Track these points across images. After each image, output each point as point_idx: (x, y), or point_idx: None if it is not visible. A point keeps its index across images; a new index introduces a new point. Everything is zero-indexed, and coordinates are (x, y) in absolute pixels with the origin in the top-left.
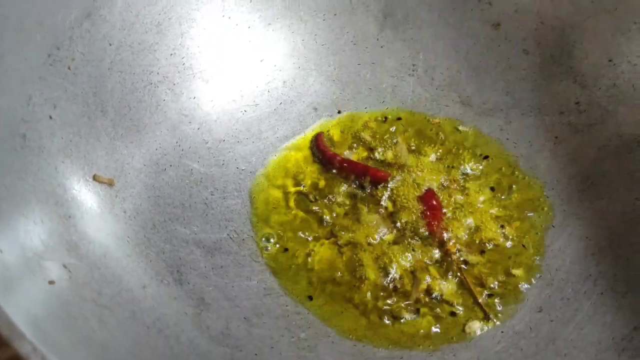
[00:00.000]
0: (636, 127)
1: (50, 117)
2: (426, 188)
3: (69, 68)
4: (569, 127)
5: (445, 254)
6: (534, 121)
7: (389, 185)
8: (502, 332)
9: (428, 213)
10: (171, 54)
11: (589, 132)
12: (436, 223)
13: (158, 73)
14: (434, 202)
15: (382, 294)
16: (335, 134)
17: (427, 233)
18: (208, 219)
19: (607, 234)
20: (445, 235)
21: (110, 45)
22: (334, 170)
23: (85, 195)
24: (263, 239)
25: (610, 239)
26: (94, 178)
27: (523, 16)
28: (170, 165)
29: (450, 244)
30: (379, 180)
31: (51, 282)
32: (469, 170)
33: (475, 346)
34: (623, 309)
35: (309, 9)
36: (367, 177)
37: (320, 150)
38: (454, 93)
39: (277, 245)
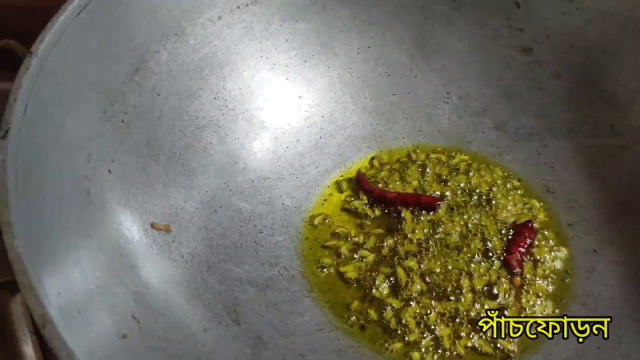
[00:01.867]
0: None
1: (109, 172)
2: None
3: (122, 122)
4: (603, 150)
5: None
6: (569, 144)
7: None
8: (550, 359)
9: (517, 243)
10: (215, 98)
11: (623, 155)
12: (517, 253)
13: (204, 117)
14: (527, 234)
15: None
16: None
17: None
18: (259, 257)
19: None
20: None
21: (159, 95)
22: (384, 205)
23: (146, 244)
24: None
25: None
26: (152, 226)
27: (554, 41)
28: (220, 206)
29: (519, 280)
30: (431, 206)
31: (124, 336)
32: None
33: None
34: None
35: (343, 44)
36: (418, 204)
37: (367, 191)
38: (489, 119)
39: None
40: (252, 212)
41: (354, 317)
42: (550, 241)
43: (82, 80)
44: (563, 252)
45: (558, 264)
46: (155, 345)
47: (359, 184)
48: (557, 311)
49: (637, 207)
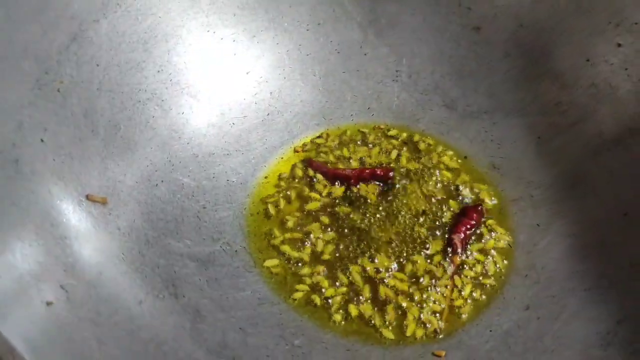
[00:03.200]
0: (615, 125)
1: (42, 141)
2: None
3: (58, 91)
4: (551, 127)
5: (451, 261)
6: (517, 122)
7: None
8: (491, 331)
9: (465, 223)
10: (158, 71)
11: (571, 132)
12: (463, 235)
13: (146, 90)
14: (475, 217)
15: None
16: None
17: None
18: (201, 232)
19: (590, 231)
20: (459, 248)
21: (98, 66)
22: (339, 182)
23: (80, 216)
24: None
25: (593, 236)
26: (87, 198)
27: (502, 19)
28: (162, 181)
29: (459, 258)
30: (385, 177)
31: (49, 303)
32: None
33: (465, 346)
34: (607, 304)
35: (293, 19)
36: (373, 176)
37: (322, 172)
38: (438, 97)
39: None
40: (195, 188)
41: (298, 293)
42: (495, 222)
43: (13, 45)
44: (506, 235)
45: (501, 243)
46: (85, 316)
47: (311, 167)
48: (494, 284)
49: (585, 181)
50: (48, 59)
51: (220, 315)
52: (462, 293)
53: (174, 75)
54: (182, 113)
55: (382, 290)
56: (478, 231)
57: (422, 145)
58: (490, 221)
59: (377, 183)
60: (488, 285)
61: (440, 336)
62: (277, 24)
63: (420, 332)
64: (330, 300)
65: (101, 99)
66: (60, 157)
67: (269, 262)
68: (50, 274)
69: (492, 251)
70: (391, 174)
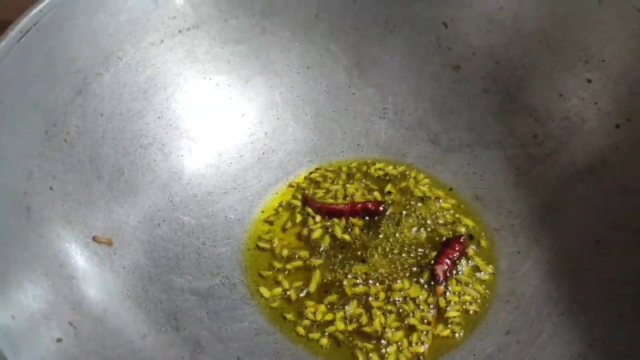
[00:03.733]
0: (587, 156)
1: (51, 188)
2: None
3: (65, 141)
4: (528, 159)
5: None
6: (497, 154)
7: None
8: (474, 355)
9: (447, 254)
10: (158, 117)
11: (546, 163)
12: (446, 265)
13: (147, 136)
14: (457, 248)
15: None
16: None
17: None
18: (201, 268)
19: (565, 258)
20: (442, 279)
21: (102, 115)
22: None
23: (86, 256)
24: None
25: (568, 263)
26: (94, 239)
27: (480, 58)
28: (164, 220)
29: (442, 289)
30: (377, 211)
31: (59, 340)
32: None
33: None
34: (579, 328)
35: (283, 64)
36: (365, 210)
37: (316, 210)
38: (423, 132)
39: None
40: (195, 225)
41: (292, 323)
42: (477, 252)
43: (23, 101)
44: (488, 264)
45: (484, 271)
46: (91, 349)
47: (306, 203)
48: (478, 311)
49: (560, 210)
50: (55, 112)
51: (218, 346)
52: (448, 320)
53: (173, 121)
54: (182, 155)
55: (371, 322)
56: (461, 261)
57: (410, 180)
58: (472, 251)
59: (363, 218)
60: (472, 312)
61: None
62: (269, 69)
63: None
64: (319, 327)
65: (105, 146)
66: (68, 203)
67: (264, 291)
68: (59, 312)
69: (475, 279)
70: (382, 207)
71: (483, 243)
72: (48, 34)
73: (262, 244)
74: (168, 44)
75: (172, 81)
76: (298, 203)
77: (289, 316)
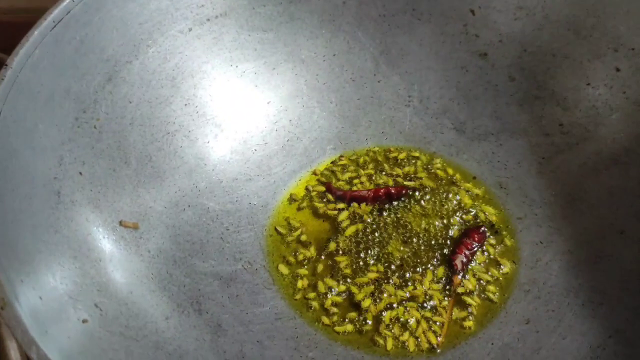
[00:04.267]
0: (612, 145)
1: (80, 174)
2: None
3: (94, 127)
4: (553, 148)
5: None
6: (522, 143)
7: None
8: (492, 344)
9: (466, 245)
10: (185, 104)
11: (571, 152)
12: (464, 256)
13: (174, 123)
14: (476, 238)
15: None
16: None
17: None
18: (224, 253)
19: (587, 248)
20: (459, 269)
21: (131, 102)
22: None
23: (113, 240)
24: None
25: (589, 253)
26: (121, 224)
27: (507, 45)
28: (189, 206)
29: (459, 279)
30: (399, 195)
31: (85, 321)
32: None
33: (466, 357)
34: (599, 319)
35: (310, 51)
36: (389, 195)
37: (339, 197)
38: (448, 120)
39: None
40: (219, 211)
41: (313, 308)
42: (499, 241)
43: (55, 89)
44: (510, 252)
45: (505, 260)
46: (115, 330)
47: (329, 192)
48: (498, 299)
49: (584, 200)
50: (86, 99)
51: (239, 329)
52: (469, 307)
53: (200, 108)
54: (208, 142)
55: (387, 312)
56: (482, 250)
57: (434, 166)
58: (494, 240)
59: (387, 203)
60: (492, 301)
61: (439, 351)
62: (296, 56)
63: (421, 347)
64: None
65: (133, 132)
66: (97, 188)
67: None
68: (85, 294)
69: (497, 268)
70: (404, 191)
71: (506, 232)
72: (80, 23)
73: (282, 230)
74: (196, 32)
75: (199, 69)
76: (322, 189)
77: (311, 301)
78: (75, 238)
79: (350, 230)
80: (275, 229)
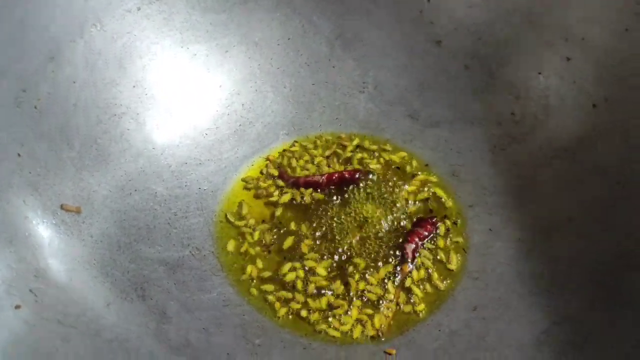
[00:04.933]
0: (563, 135)
1: (19, 155)
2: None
3: (35, 108)
4: (505, 137)
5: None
6: (475, 131)
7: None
8: (439, 330)
9: (417, 234)
10: (134, 86)
11: (523, 141)
12: (415, 245)
13: (122, 105)
14: (428, 228)
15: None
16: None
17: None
18: (171, 238)
19: (537, 236)
20: (409, 258)
21: (74, 83)
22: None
23: (53, 224)
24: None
25: (539, 241)
26: (62, 207)
27: (462, 33)
28: (135, 190)
29: (408, 267)
30: (353, 179)
31: (17, 307)
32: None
33: (415, 344)
34: (545, 306)
35: (264, 34)
36: (343, 179)
37: (292, 183)
38: (403, 107)
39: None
40: (167, 196)
41: (258, 293)
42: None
43: None
44: (461, 239)
45: (455, 246)
46: (52, 318)
47: (281, 178)
48: (447, 286)
49: (534, 188)
50: (26, 78)
51: (185, 316)
52: (413, 295)
53: (148, 90)
54: (157, 125)
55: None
56: (431, 240)
57: (386, 153)
58: (444, 227)
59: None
60: (440, 288)
61: (383, 339)
62: (249, 39)
63: (366, 333)
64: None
65: (77, 114)
66: (36, 170)
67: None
68: (20, 280)
69: (446, 256)
70: (358, 175)
71: (457, 219)
72: (18, 1)
73: (231, 217)
74: (145, 11)
75: (148, 50)
76: (275, 173)
77: (256, 288)
78: (11, 222)
79: (285, 198)
80: (225, 216)
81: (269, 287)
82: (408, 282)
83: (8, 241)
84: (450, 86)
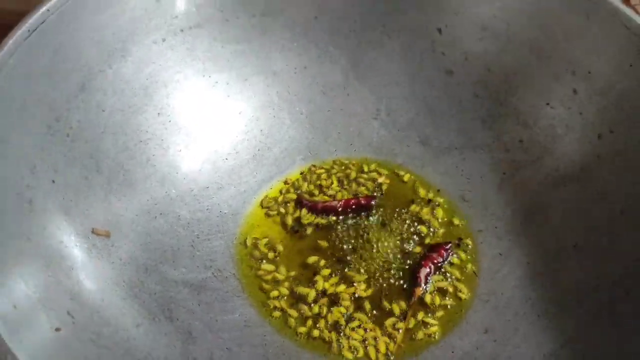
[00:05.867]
0: (569, 163)
1: (53, 182)
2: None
3: (67, 136)
4: (514, 163)
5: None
6: (484, 158)
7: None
8: (453, 352)
9: (432, 259)
10: (158, 113)
11: (531, 168)
12: (429, 269)
13: (147, 131)
14: (443, 254)
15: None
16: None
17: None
18: (195, 260)
19: (544, 260)
20: (422, 282)
21: (104, 111)
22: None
23: (85, 248)
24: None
25: (546, 265)
26: (93, 231)
27: (472, 64)
28: (160, 214)
29: (421, 290)
30: (369, 205)
31: (57, 329)
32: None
33: None
34: (553, 330)
35: (282, 63)
36: (359, 205)
37: (310, 208)
38: (414, 134)
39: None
40: (190, 219)
41: (280, 315)
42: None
43: (28, 97)
44: (471, 264)
45: (466, 271)
46: (87, 338)
47: (300, 205)
48: (460, 310)
49: (541, 214)
50: (59, 107)
51: (209, 336)
52: (430, 315)
53: (172, 117)
54: (180, 151)
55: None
56: (444, 265)
57: (403, 178)
58: (456, 257)
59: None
60: (453, 311)
61: (392, 358)
62: (267, 68)
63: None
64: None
65: (106, 141)
66: (69, 195)
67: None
68: (58, 302)
69: (458, 279)
70: (373, 202)
71: (467, 243)
72: (54, 32)
73: (249, 242)
74: (170, 42)
75: (172, 78)
76: (293, 197)
77: (279, 311)
78: (47, 246)
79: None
80: (245, 244)
81: (292, 312)
82: (427, 299)
83: (45, 265)
84: (461, 114)
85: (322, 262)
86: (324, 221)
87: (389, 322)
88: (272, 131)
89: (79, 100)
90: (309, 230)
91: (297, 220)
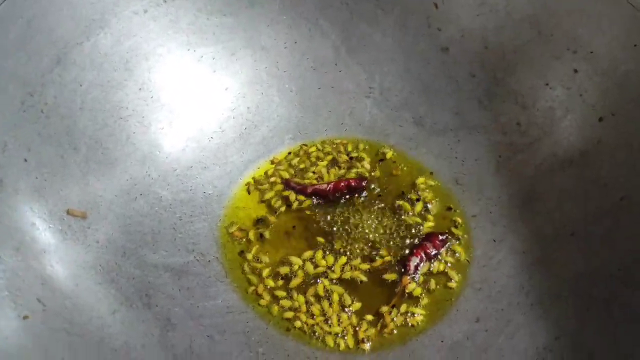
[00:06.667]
0: (568, 147)
1: (25, 160)
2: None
3: (42, 112)
4: (510, 147)
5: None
6: (480, 140)
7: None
8: (442, 341)
9: (425, 248)
10: (139, 89)
11: (528, 152)
12: (419, 259)
13: (127, 108)
14: (436, 244)
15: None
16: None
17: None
18: (176, 243)
19: (539, 248)
20: (411, 271)
21: (81, 86)
22: (317, 197)
23: (59, 230)
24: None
25: (542, 253)
26: (68, 212)
27: (469, 41)
28: (141, 194)
29: (409, 279)
30: (359, 186)
31: (25, 317)
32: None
33: (417, 355)
34: (548, 320)
35: (270, 38)
36: (350, 187)
37: (299, 191)
38: (408, 113)
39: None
40: (172, 200)
41: (265, 303)
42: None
43: (0, 72)
44: (463, 250)
45: (459, 257)
46: (58, 327)
47: (288, 188)
48: (450, 297)
49: (538, 200)
50: (33, 82)
51: (189, 323)
52: (417, 306)
53: (154, 93)
54: (162, 129)
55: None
56: (436, 257)
57: (391, 162)
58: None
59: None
60: (442, 298)
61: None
62: (255, 42)
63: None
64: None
65: (83, 117)
66: (43, 175)
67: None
68: (28, 288)
69: (449, 266)
70: (364, 183)
71: (460, 228)
72: (26, 2)
73: (232, 229)
74: (152, 13)
75: (154, 52)
76: (278, 180)
77: (262, 297)
78: (18, 228)
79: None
80: (227, 231)
81: (279, 295)
82: (413, 291)
83: (15, 249)
84: (456, 93)
85: (310, 246)
86: (312, 204)
87: (374, 309)
88: (260, 109)
89: (55, 74)
90: (297, 213)
91: (285, 202)
